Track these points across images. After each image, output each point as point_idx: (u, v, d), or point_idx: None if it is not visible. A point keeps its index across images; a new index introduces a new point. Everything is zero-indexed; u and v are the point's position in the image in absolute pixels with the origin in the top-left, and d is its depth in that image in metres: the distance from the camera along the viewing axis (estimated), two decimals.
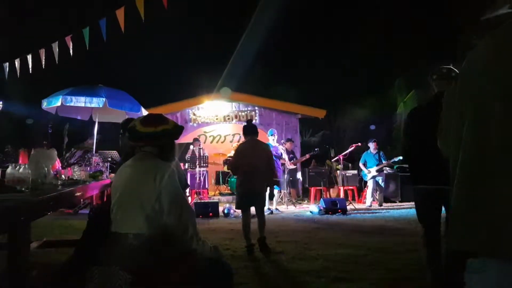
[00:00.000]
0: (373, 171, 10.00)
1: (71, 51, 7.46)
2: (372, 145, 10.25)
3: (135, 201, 2.18)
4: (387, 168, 10.48)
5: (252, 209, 5.36)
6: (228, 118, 12.94)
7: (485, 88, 1.23)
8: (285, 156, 9.66)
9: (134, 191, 2.22)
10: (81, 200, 8.69)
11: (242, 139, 5.77)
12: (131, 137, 2.43)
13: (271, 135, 9.20)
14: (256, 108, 13.00)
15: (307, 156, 10.78)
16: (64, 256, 4.58)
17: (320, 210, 8.59)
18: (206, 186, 11.01)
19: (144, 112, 8.41)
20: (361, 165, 10.39)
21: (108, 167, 7.64)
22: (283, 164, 9.54)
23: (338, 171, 11.05)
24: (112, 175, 4.43)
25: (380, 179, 10.06)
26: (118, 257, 2.08)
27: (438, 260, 3.08)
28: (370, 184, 10.09)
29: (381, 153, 10.22)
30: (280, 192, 9.63)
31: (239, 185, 5.31)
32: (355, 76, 20.20)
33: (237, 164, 5.35)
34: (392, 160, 10.09)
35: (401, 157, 10.21)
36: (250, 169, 5.14)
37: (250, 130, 5.39)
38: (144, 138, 2.36)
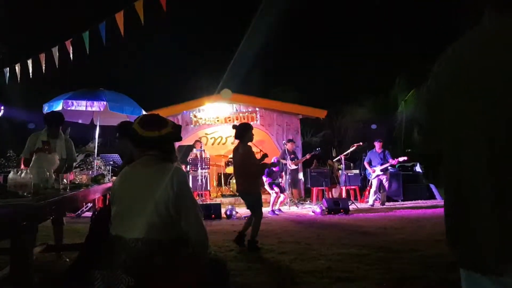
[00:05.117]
0: (378, 170, 9.98)
1: (71, 55, 7.47)
2: (377, 145, 10.23)
3: (149, 205, 2.12)
4: (389, 167, 10.46)
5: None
6: (229, 120, 12.93)
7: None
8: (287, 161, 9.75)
9: (148, 196, 2.15)
10: (84, 203, 8.71)
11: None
12: (134, 142, 2.39)
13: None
14: (257, 109, 12.99)
15: (308, 156, 10.77)
16: (66, 260, 4.59)
17: (322, 210, 8.60)
18: (208, 188, 11.02)
19: None
20: (365, 163, 10.36)
21: (110, 170, 7.67)
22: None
23: (339, 171, 11.04)
24: (114, 178, 4.42)
25: (384, 179, 10.03)
26: (123, 262, 2.06)
27: None
28: (373, 183, 10.07)
29: (386, 152, 10.19)
30: (282, 193, 9.63)
31: None
32: (355, 75, 20.19)
33: None
34: (397, 161, 10.03)
35: (405, 158, 10.22)
36: (234, 172, 5.68)
37: (235, 134, 5.61)
38: (149, 142, 2.31)
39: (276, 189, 8.98)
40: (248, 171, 5.37)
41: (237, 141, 5.59)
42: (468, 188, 1.22)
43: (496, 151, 1.15)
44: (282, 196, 9.16)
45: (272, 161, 9.33)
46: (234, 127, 5.66)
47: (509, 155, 1.13)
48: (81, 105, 7.97)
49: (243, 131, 5.51)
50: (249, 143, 5.51)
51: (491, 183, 1.16)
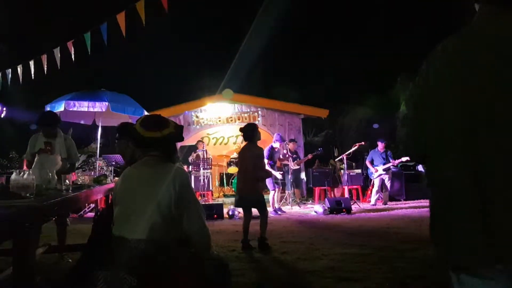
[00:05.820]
0: (380, 169, 9.95)
1: (73, 56, 7.47)
2: (380, 145, 10.21)
3: (151, 206, 2.12)
4: (391, 167, 10.44)
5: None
6: (231, 120, 12.93)
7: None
8: (283, 156, 9.67)
9: (150, 197, 2.15)
10: (86, 204, 8.72)
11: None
12: (136, 143, 2.39)
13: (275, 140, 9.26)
14: (259, 109, 12.98)
15: (310, 156, 10.76)
16: (69, 260, 4.59)
17: (324, 210, 8.59)
18: (210, 188, 11.02)
19: None
20: (367, 162, 10.32)
21: (112, 171, 7.69)
22: (281, 166, 9.50)
23: (342, 171, 11.02)
24: (116, 179, 4.43)
25: (386, 178, 10.01)
26: (126, 262, 2.06)
27: None
28: (376, 182, 10.05)
29: (388, 152, 10.17)
30: (285, 192, 9.61)
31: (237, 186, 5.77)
32: (357, 75, 20.19)
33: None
34: (400, 161, 10.01)
35: (408, 158, 10.16)
36: (239, 173, 5.65)
37: (244, 136, 5.68)
38: (151, 143, 2.31)
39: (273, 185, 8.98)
40: (256, 174, 5.39)
41: (242, 142, 5.62)
42: (453, 189, 1.21)
43: (481, 151, 1.14)
44: (272, 191, 9.05)
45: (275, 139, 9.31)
46: (241, 129, 5.69)
47: (494, 155, 1.12)
48: (83, 106, 7.98)
49: (252, 132, 5.57)
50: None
51: (476, 183, 1.15)
